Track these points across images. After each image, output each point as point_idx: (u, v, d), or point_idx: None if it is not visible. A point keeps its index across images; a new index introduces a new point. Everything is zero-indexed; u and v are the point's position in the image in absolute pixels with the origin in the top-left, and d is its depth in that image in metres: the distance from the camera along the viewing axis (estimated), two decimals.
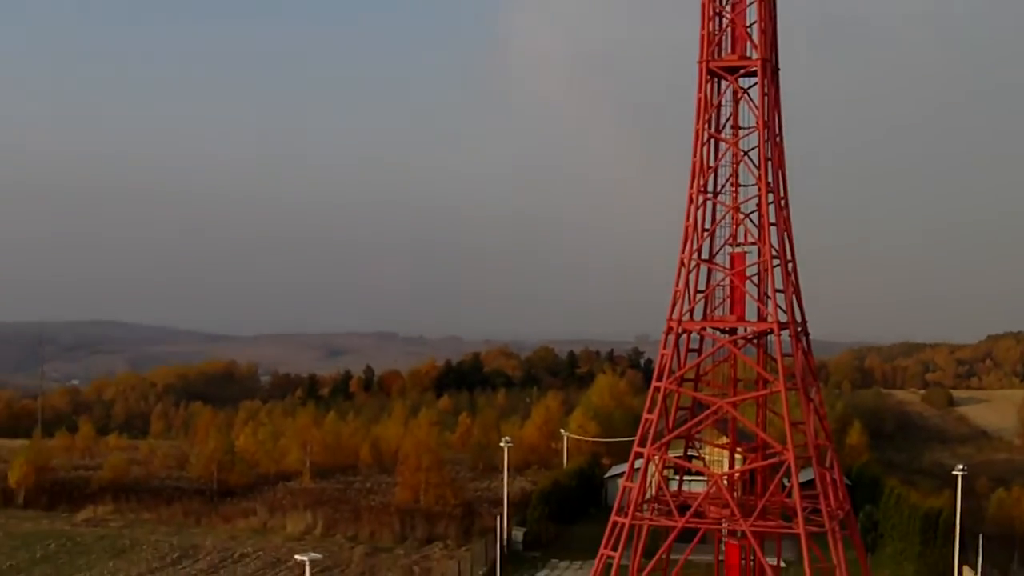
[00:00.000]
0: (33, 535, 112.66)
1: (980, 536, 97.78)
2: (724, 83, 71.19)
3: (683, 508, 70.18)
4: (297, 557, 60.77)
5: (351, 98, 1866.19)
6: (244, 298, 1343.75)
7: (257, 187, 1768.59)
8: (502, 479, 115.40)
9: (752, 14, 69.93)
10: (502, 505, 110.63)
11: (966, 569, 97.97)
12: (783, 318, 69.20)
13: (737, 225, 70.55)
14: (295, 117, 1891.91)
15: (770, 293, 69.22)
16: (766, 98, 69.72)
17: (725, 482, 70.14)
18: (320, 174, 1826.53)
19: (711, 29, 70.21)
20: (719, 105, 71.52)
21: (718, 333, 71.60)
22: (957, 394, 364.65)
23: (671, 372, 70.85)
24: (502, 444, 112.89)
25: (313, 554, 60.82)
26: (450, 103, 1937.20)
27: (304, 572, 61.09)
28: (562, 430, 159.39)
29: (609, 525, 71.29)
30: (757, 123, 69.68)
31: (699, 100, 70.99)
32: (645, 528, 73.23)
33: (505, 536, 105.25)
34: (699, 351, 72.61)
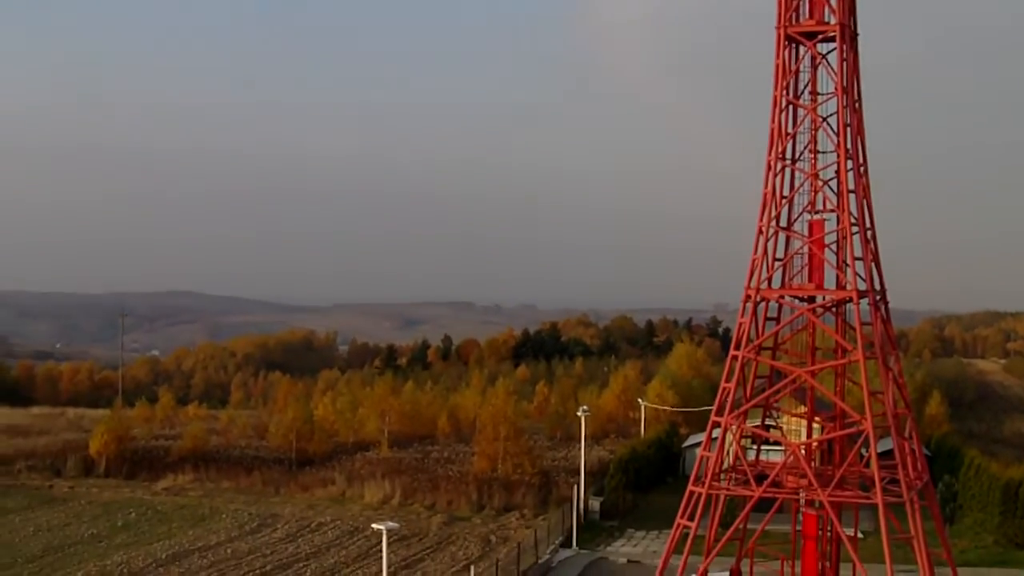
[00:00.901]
0: (114, 504, 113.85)
1: None
2: (802, 49, 70.59)
3: (760, 478, 69.84)
4: (375, 526, 60.92)
5: (426, 75, 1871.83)
6: (322, 269, 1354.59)
7: (332, 161, 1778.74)
8: (579, 448, 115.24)
9: None
10: (579, 474, 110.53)
11: None
12: (862, 286, 68.59)
13: (816, 192, 69.97)
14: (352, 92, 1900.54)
15: (849, 261, 68.57)
16: (844, 63, 69.02)
17: (803, 452, 69.70)
18: (390, 146, 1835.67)
19: None
20: (797, 71, 70.91)
21: (796, 301, 71.06)
22: None
23: (749, 340, 70.49)
24: (579, 413, 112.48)
25: (391, 523, 61.02)
26: (519, 79, 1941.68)
27: (382, 541, 61.44)
28: (640, 399, 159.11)
29: (686, 495, 71.04)
30: (836, 89, 69.04)
31: (777, 66, 70.37)
32: (722, 498, 72.94)
33: (582, 505, 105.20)
34: (777, 319, 72.17)
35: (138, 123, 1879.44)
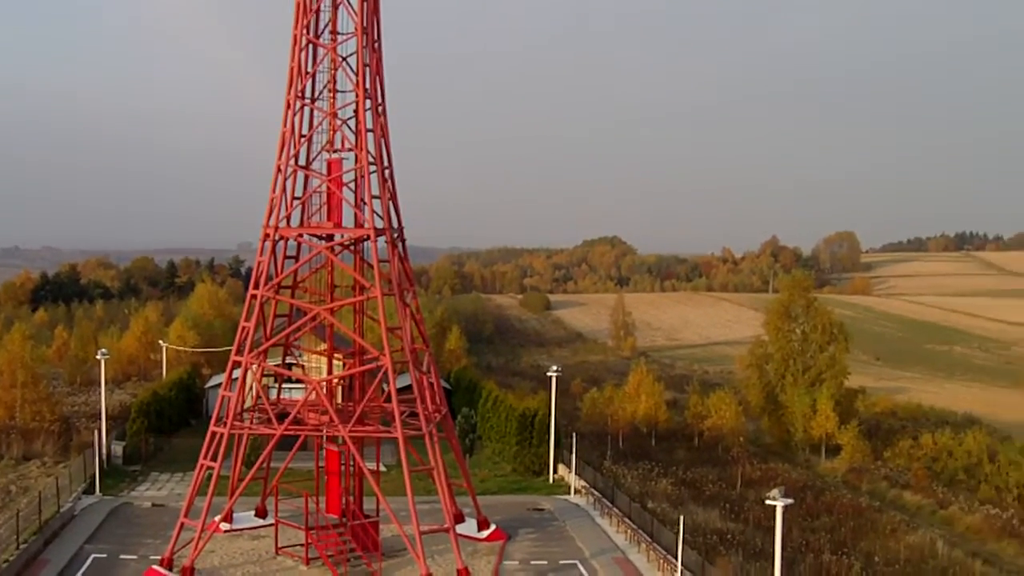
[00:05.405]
0: None
1: (574, 434, 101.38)
2: None
3: (283, 416, 70.20)
4: None
5: None
6: None
7: None
8: (100, 393, 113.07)
9: None
10: (100, 419, 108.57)
11: (560, 466, 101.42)
12: (380, 224, 69.59)
13: (335, 131, 70.52)
14: None
15: (367, 199, 69.53)
16: (365, 4, 69.57)
17: (324, 388, 70.40)
18: None
19: None
20: (318, 10, 71.10)
21: (315, 240, 71.55)
22: (554, 298, 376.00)
23: (268, 279, 70.62)
24: (99, 357, 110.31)
25: None
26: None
27: None
28: (161, 341, 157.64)
29: (208, 435, 70.78)
30: (356, 29, 69.53)
31: (297, 5, 70.52)
32: (245, 437, 73.17)
33: (104, 451, 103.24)
34: (296, 258, 72.54)
35: None
